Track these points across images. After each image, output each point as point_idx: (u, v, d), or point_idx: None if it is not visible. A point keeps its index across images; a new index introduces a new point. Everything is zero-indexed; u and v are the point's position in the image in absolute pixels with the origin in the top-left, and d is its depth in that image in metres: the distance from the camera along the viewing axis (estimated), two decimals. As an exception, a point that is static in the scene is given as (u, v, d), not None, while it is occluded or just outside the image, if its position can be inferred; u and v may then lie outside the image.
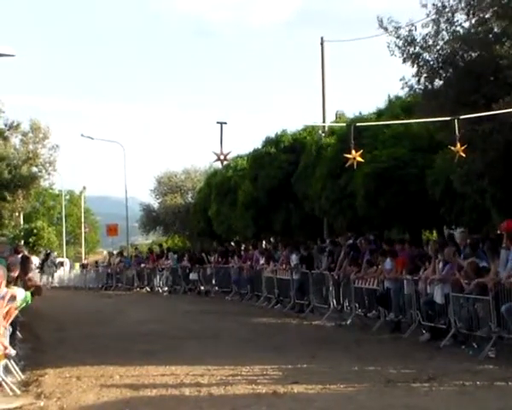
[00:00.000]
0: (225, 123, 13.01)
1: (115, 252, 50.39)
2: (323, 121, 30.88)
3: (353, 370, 13.26)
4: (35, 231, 62.44)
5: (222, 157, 12.92)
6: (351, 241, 23.62)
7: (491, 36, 16.48)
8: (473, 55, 17.02)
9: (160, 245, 46.93)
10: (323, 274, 23.04)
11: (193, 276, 34.58)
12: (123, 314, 24.91)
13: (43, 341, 18.65)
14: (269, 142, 32.62)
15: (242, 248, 33.51)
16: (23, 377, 12.95)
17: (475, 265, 15.88)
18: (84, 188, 77.13)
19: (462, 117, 13.41)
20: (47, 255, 50.47)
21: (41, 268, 47.95)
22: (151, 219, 54.18)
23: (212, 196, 39.18)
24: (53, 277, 50.01)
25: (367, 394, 11.33)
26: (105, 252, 65.31)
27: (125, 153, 67.55)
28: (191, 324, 21.46)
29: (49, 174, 40.34)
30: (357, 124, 17.80)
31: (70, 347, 17.32)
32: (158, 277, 37.52)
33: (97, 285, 44.55)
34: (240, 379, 12.59)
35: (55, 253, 57.89)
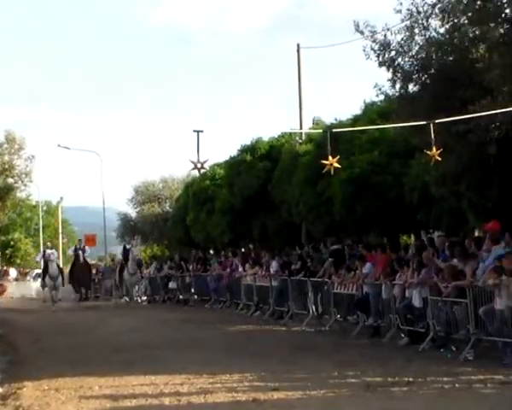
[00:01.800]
0: (202, 131, 13.02)
1: (93, 262, 50.01)
2: (300, 128, 30.94)
3: (333, 375, 13.29)
4: (12, 242, 61.95)
5: (199, 165, 12.94)
6: (335, 246, 23.69)
7: (465, 41, 16.56)
8: (448, 59, 17.11)
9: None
10: (303, 280, 23.07)
11: (172, 285, 34.68)
12: (102, 324, 24.61)
13: (21, 353, 18.52)
14: (245, 149, 32.61)
15: (222, 255, 33.57)
16: (1, 390, 12.88)
17: (453, 268, 15.98)
18: (62, 198, 76.59)
19: (437, 121, 13.48)
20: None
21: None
22: (129, 229, 53.62)
23: (190, 205, 39.11)
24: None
25: (347, 399, 11.36)
26: None
27: (102, 162, 67.20)
28: (170, 333, 21.37)
29: (25, 185, 40.38)
30: (334, 130, 17.91)
31: (49, 358, 17.21)
32: (137, 286, 37.27)
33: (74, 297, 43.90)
34: (220, 387, 12.58)
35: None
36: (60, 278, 34.74)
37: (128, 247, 36.03)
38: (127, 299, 36.32)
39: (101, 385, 13.23)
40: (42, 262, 39.81)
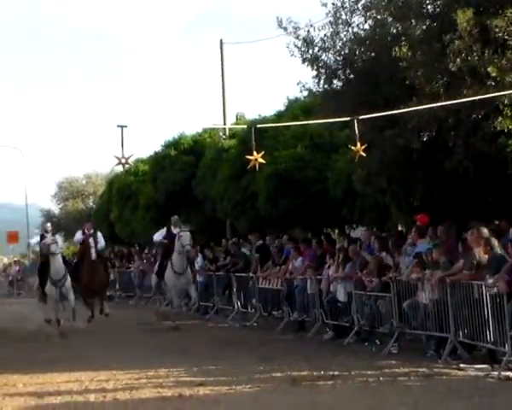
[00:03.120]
0: (126, 126, 13.03)
1: (15, 259, 49.73)
2: (224, 123, 31.12)
3: (258, 370, 13.39)
4: None
5: (123, 161, 12.91)
6: (261, 241, 23.86)
7: (388, 37, 16.83)
8: (371, 56, 17.36)
9: None
10: (228, 275, 23.21)
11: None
12: (25, 322, 24.31)
13: None
14: (169, 144, 32.57)
15: (146, 251, 33.41)
16: None
17: (379, 260, 16.26)
18: (-17, 195, 75.68)
19: (360, 117, 13.66)
20: None
21: None
22: (52, 226, 53.29)
23: (114, 201, 38.88)
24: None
25: (272, 393, 11.45)
26: (5, 259, 63.82)
27: (24, 158, 66.63)
28: (95, 329, 21.16)
29: None
30: (258, 125, 18.00)
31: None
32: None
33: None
34: (145, 383, 12.62)
35: None
36: (68, 281, 20.98)
37: (176, 231, 22.21)
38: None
39: (25, 383, 13.17)
40: (32, 254, 31.50)
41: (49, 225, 23.28)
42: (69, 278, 21.30)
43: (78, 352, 16.79)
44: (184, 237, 21.19)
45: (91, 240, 22.24)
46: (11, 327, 23.02)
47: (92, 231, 22.62)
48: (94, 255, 22.03)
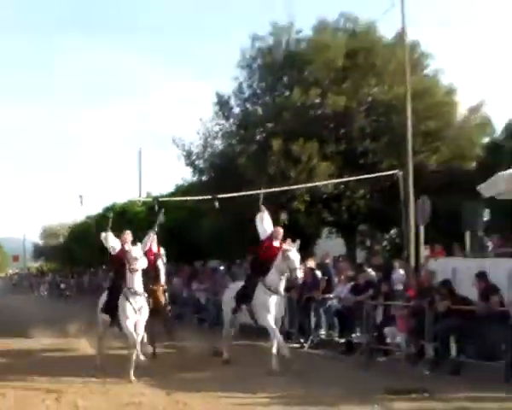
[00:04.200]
0: (82, 196, 19.02)
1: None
2: (139, 195, 44.67)
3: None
4: None
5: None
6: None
7: (235, 153, 28.22)
8: (225, 162, 28.78)
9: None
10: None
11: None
12: (22, 311, 34.21)
13: None
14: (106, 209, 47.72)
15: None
16: None
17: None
18: None
19: (219, 196, 20.17)
20: None
21: None
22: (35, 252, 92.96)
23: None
24: None
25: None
26: (10, 271, 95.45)
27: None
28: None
29: None
30: (160, 199, 26.84)
31: None
32: (41, 286, 61.51)
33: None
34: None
35: None
36: (146, 308, 15.20)
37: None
38: (36, 294, 56.12)
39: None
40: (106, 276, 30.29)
41: (129, 234, 16.31)
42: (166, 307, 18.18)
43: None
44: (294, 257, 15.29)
45: (160, 262, 17.81)
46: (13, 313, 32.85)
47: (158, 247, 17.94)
48: (164, 280, 17.86)
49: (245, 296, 15.96)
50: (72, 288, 53.98)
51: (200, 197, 23.19)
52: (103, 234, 16.22)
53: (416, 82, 26.05)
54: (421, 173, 24.60)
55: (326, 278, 20.42)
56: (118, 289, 15.36)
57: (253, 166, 26.55)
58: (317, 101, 27.39)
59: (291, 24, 28.86)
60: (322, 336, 19.60)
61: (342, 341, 18.58)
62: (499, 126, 28.68)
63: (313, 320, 19.81)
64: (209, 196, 20.61)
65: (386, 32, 28.93)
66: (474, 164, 26.73)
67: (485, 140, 28.64)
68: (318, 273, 20.62)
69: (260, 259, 16.15)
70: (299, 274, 15.46)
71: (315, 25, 28.83)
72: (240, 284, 16.88)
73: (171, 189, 40.93)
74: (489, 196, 18.84)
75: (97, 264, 49.62)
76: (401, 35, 25.02)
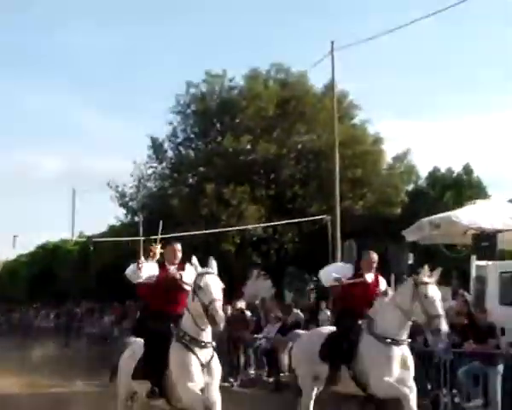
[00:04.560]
0: (17, 236, 22.78)
1: None
2: (72, 235, 42.31)
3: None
4: None
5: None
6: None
7: (167, 196, 29.12)
8: (158, 203, 29.39)
9: None
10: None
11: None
12: None
13: None
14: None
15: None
16: None
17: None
18: None
19: (152, 237, 24.32)
20: None
21: None
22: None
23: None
24: None
25: None
26: None
27: None
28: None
29: None
30: (94, 239, 29.05)
31: None
32: None
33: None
34: None
35: None
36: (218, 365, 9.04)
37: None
38: None
39: None
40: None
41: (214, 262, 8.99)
42: None
43: None
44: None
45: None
46: None
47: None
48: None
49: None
50: (1, 325, 53.23)
51: (134, 238, 24.88)
52: (131, 267, 9.22)
53: (345, 131, 27.17)
54: (347, 218, 25.55)
55: (255, 318, 21.03)
56: (158, 335, 9.19)
57: (185, 208, 27.45)
58: (249, 147, 28.44)
59: (224, 72, 29.90)
60: (252, 376, 20.09)
61: (271, 380, 18.78)
62: (423, 174, 29.81)
63: (242, 359, 20.24)
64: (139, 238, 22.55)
65: (317, 81, 30.07)
66: (398, 210, 27.84)
67: (410, 187, 29.84)
68: (248, 313, 21.22)
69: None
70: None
71: (247, 73, 29.79)
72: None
73: (104, 228, 41.03)
74: (412, 241, 19.27)
75: (28, 303, 49.88)
76: (330, 86, 26.00)
